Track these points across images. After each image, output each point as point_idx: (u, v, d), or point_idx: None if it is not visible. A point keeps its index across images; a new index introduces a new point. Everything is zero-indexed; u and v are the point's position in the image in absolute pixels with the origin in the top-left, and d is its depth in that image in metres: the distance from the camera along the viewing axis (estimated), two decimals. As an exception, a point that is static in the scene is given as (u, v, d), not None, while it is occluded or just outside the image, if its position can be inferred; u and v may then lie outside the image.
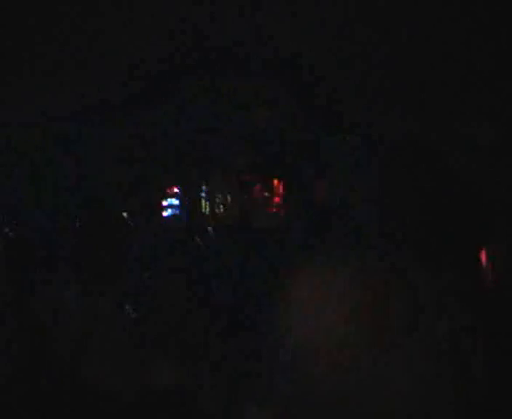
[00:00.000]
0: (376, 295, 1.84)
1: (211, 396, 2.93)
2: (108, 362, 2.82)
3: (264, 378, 2.28)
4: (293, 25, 3.36)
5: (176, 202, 13.07)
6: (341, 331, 1.79)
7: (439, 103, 3.36)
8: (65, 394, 2.72)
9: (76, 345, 2.78)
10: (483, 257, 3.74)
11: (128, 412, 2.88)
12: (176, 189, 13.46)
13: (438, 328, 1.80)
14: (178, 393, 2.90)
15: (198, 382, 2.91)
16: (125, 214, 7.42)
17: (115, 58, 3.44)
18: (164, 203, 13.12)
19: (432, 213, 1.90)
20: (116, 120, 4.21)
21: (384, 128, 3.59)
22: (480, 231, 3.33)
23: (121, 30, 3.25)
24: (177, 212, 12.48)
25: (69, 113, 3.99)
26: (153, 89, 3.60)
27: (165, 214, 12.59)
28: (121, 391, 2.80)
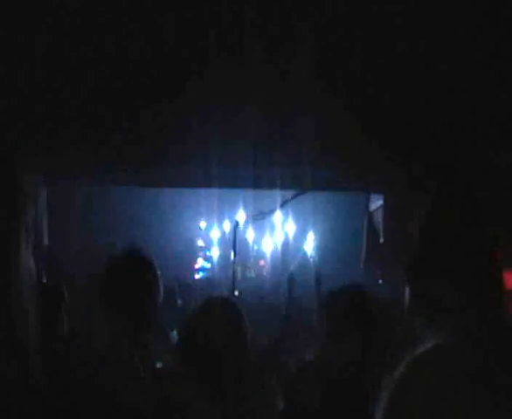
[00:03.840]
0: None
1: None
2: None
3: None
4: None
5: (207, 265, 14.38)
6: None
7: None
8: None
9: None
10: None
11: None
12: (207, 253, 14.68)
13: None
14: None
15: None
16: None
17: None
18: (197, 266, 14.34)
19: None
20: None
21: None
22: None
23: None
24: (209, 275, 13.47)
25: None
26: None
27: (198, 276, 13.77)
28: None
